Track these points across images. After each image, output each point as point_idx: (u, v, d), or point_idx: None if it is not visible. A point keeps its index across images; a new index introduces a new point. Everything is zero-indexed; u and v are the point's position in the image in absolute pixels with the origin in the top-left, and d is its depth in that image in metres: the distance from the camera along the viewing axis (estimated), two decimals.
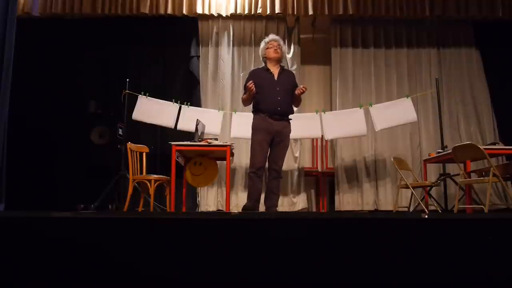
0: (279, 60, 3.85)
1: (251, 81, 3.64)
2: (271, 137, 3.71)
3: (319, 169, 5.76)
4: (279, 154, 3.74)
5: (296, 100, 3.86)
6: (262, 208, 5.10)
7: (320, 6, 5.47)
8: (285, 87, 3.76)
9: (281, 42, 3.92)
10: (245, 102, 3.88)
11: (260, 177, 3.68)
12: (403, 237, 1.40)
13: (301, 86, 3.76)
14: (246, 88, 3.77)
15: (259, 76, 3.78)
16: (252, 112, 3.86)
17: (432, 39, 6.05)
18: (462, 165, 4.22)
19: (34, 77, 5.47)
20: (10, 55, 3.57)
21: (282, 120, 3.75)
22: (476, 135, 5.80)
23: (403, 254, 1.39)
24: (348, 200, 5.70)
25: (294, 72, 5.81)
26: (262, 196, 3.76)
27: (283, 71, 3.89)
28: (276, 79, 3.78)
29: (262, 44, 3.94)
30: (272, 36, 3.92)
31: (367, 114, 5.22)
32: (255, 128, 3.75)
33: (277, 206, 3.75)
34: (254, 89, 3.61)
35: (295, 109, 4.10)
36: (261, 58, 3.97)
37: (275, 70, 3.83)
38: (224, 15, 5.62)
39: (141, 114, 5.18)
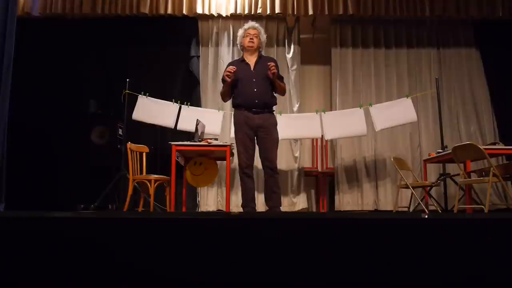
0: (255, 50, 3.67)
1: (232, 67, 3.47)
2: (253, 133, 3.55)
3: (319, 169, 5.76)
4: (267, 149, 3.52)
5: (277, 88, 3.64)
6: (261, 207, 5.12)
7: (320, 6, 5.47)
8: (262, 77, 3.53)
9: (260, 30, 3.71)
10: (224, 96, 3.73)
11: (249, 176, 3.55)
12: (403, 237, 1.40)
13: (270, 65, 3.47)
14: (223, 81, 3.64)
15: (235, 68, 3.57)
16: (232, 107, 3.73)
17: (432, 39, 6.05)
18: (462, 165, 4.22)
19: (34, 77, 5.47)
20: (10, 55, 3.57)
21: (262, 113, 3.55)
22: (476, 135, 5.81)
23: (403, 254, 1.39)
24: (348, 200, 5.70)
25: (294, 72, 5.89)
26: (259, 196, 3.67)
27: (260, 59, 3.65)
28: (252, 69, 3.60)
29: (240, 32, 3.74)
30: (250, 24, 3.71)
31: (367, 114, 5.22)
32: (235, 125, 3.60)
33: (280, 205, 3.60)
34: (232, 73, 3.44)
35: (281, 98, 3.90)
36: (239, 47, 3.80)
37: (251, 60, 3.64)
38: (224, 15, 5.62)
39: (141, 114, 5.18)
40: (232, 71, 3.49)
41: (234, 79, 3.55)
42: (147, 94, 5.25)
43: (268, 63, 3.50)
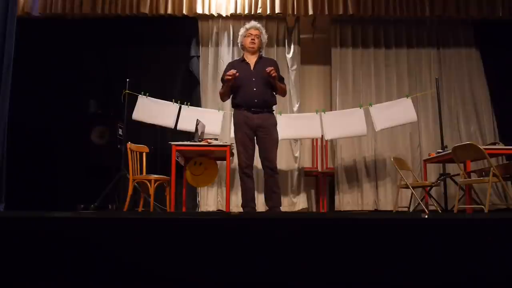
0: (256, 51, 3.68)
1: (233, 71, 3.46)
2: (253, 132, 3.54)
3: (319, 169, 5.76)
4: (267, 149, 3.52)
5: (276, 89, 3.63)
6: (261, 207, 5.12)
7: (320, 6, 5.47)
8: (262, 77, 3.51)
9: (262, 31, 3.71)
10: (223, 96, 3.74)
11: (249, 176, 3.54)
12: (403, 237, 1.40)
13: (269, 69, 3.44)
14: (223, 81, 3.63)
15: (235, 68, 3.55)
16: (232, 107, 3.73)
17: (432, 39, 6.05)
18: (462, 165, 4.22)
19: (34, 77, 5.47)
20: (10, 55, 3.57)
21: (262, 113, 3.54)
22: (476, 135, 5.80)
23: (402, 254, 1.39)
24: (348, 200, 5.70)
25: (294, 72, 5.89)
26: (259, 196, 3.66)
27: (261, 59, 3.66)
28: (252, 69, 3.60)
29: (242, 31, 3.73)
30: (252, 23, 3.70)
31: (367, 114, 5.22)
32: (235, 125, 3.60)
33: (280, 205, 3.59)
34: (232, 76, 3.43)
35: (281, 98, 3.89)
36: (239, 45, 3.80)
37: (252, 60, 3.64)
38: (224, 15, 5.62)
39: (141, 114, 5.18)
40: (232, 75, 3.46)
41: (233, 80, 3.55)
42: (147, 94, 5.25)
43: (266, 69, 3.47)
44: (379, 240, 1.39)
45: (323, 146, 5.82)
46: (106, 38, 5.81)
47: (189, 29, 5.91)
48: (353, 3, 5.49)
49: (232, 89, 3.63)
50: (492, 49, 5.91)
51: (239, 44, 3.79)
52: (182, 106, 5.29)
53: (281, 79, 3.71)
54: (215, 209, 5.56)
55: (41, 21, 5.55)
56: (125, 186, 4.53)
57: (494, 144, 4.83)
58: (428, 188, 4.77)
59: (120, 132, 5.29)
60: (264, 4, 5.50)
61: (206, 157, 4.66)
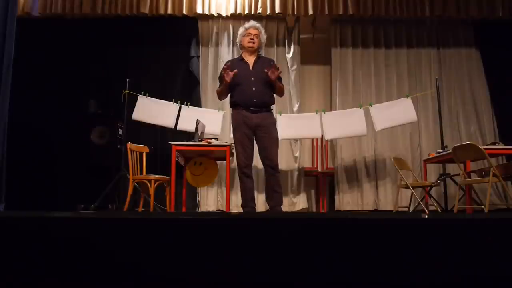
0: (255, 50, 3.68)
1: (231, 70, 3.46)
2: (252, 132, 3.53)
3: (319, 169, 5.76)
4: (267, 147, 3.50)
5: (275, 88, 3.63)
6: (261, 207, 5.13)
7: (320, 6, 5.47)
8: (261, 76, 3.51)
9: (261, 30, 3.71)
10: (220, 95, 3.72)
11: (248, 176, 3.53)
12: (403, 237, 1.40)
13: (273, 70, 3.46)
14: (220, 80, 3.62)
15: (233, 67, 3.55)
16: (230, 107, 3.72)
17: (432, 39, 6.05)
18: (462, 165, 4.22)
19: (34, 77, 5.47)
20: (10, 55, 3.57)
21: (261, 112, 3.53)
22: (476, 135, 5.81)
23: (402, 254, 1.39)
24: (348, 200, 5.70)
25: (294, 72, 5.89)
26: (259, 195, 3.64)
27: (259, 59, 3.66)
28: (251, 69, 3.60)
29: (241, 30, 3.73)
30: (251, 23, 3.70)
31: (367, 114, 5.22)
32: (234, 124, 3.60)
33: (281, 204, 3.57)
34: (230, 74, 3.43)
35: (281, 98, 3.93)
36: (238, 45, 3.80)
37: (250, 60, 3.64)
38: (224, 15, 5.62)
39: (141, 114, 5.18)
40: (226, 72, 3.47)
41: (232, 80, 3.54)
42: (147, 94, 5.25)
43: (270, 70, 3.47)
44: (379, 240, 1.39)
45: (323, 146, 5.82)
46: (106, 38, 5.81)
47: (189, 29, 5.91)
48: (353, 3, 5.49)
49: (230, 88, 3.62)
50: (492, 49, 5.91)
51: (238, 44, 3.79)
52: (182, 106, 5.29)
53: (279, 79, 3.71)
54: (215, 209, 5.56)
55: (41, 21, 5.55)
56: (125, 186, 4.53)
57: (494, 144, 4.83)
58: (428, 188, 4.77)
59: (120, 132, 5.29)
60: (264, 4, 5.51)
61: (206, 157, 4.66)
